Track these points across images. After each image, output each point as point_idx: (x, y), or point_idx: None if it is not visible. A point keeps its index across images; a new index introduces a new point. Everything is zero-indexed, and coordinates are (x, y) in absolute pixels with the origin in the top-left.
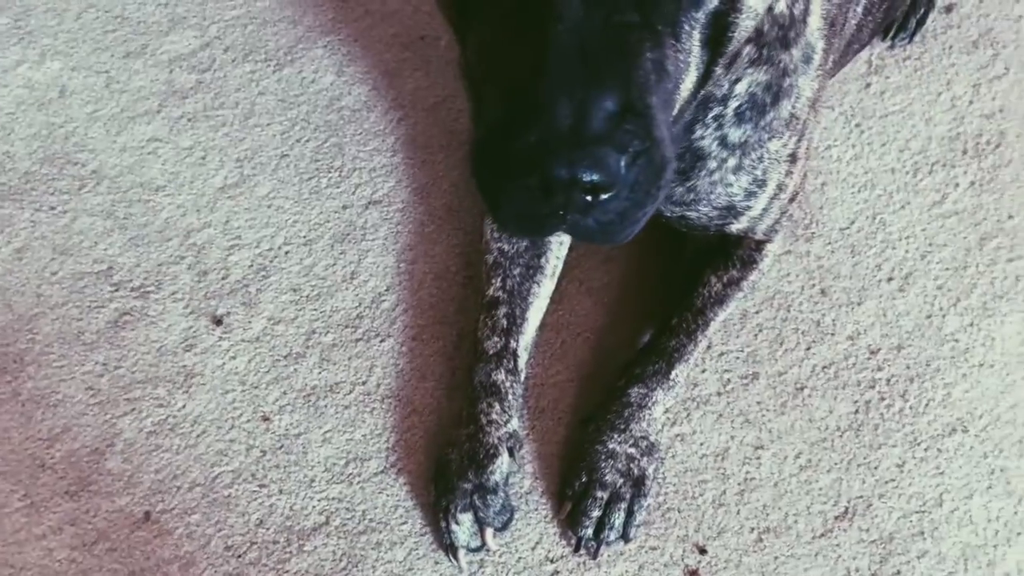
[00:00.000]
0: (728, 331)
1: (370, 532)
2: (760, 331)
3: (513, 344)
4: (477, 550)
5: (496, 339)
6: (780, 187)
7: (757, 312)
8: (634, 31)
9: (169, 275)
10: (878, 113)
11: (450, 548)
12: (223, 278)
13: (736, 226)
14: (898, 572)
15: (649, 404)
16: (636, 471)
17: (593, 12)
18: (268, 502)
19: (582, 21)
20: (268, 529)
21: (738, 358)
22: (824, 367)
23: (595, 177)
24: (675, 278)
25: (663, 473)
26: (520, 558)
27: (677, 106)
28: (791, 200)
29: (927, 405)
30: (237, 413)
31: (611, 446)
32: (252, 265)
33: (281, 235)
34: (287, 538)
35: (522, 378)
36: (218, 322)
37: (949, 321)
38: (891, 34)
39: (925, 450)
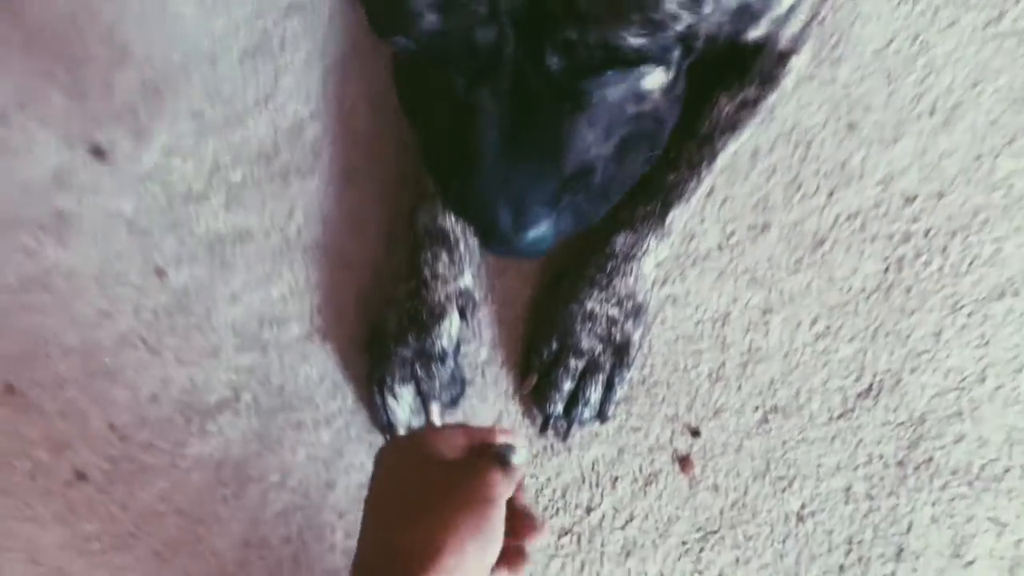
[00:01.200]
0: (734, 172)
1: (288, 410)
2: (773, 173)
3: None
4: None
5: None
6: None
7: (771, 150)
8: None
9: (37, 95)
10: None
11: (387, 428)
12: (105, 100)
13: (753, 33)
14: (930, 459)
15: (638, 255)
16: (618, 336)
17: (520, 106)
18: (162, 373)
19: (510, 120)
20: (162, 406)
21: (745, 205)
22: (849, 217)
23: (535, 236)
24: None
25: (650, 341)
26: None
27: None
28: (814, 6)
29: (971, 263)
30: (123, 266)
31: (589, 306)
32: (142, 85)
33: (178, 49)
34: (186, 417)
35: None
36: (99, 154)
37: (1002, 163)
38: None
39: (968, 316)
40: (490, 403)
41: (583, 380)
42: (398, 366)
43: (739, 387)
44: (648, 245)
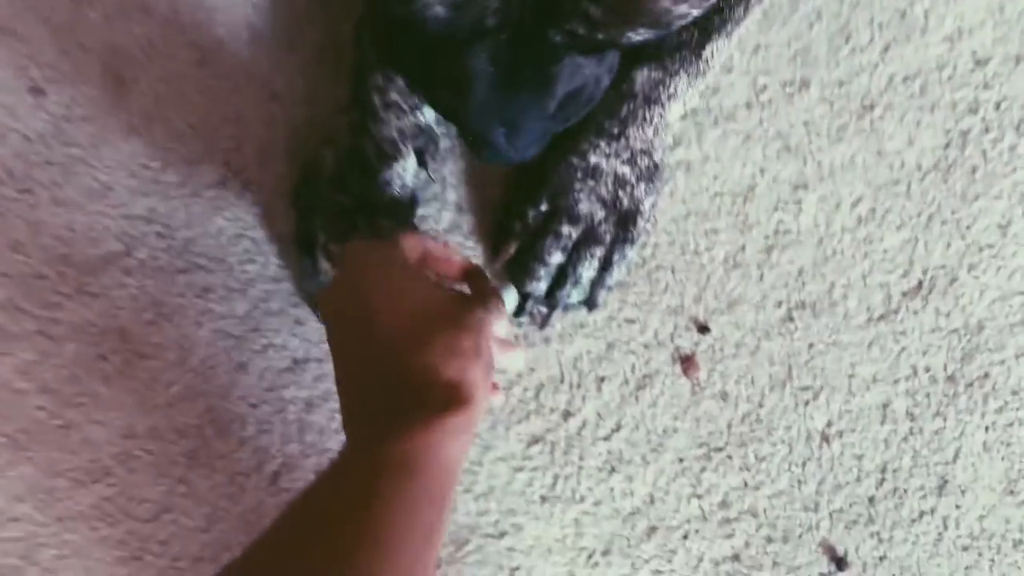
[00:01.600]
0: (771, 14)
1: (193, 271)
2: (818, 19)
3: None
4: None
5: None
6: None
7: None
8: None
9: None
10: None
11: (316, 298)
12: None
13: None
14: (986, 375)
15: (663, 98)
16: (626, 202)
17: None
18: (32, 216)
19: (504, 53)
20: (30, 257)
21: (782, 56)
22: (906, 78)
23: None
24: None
25: (658, 214)
26: None
27: None
28: None
29: None
30: None
31: (594, 159)
32: None
33: None
34: (60, 273)
35: None
36: None
37: None
38: None
39: None
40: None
41: (576, 253)
42: (334, 218)
43: (760, 277)
44: (678, 86)
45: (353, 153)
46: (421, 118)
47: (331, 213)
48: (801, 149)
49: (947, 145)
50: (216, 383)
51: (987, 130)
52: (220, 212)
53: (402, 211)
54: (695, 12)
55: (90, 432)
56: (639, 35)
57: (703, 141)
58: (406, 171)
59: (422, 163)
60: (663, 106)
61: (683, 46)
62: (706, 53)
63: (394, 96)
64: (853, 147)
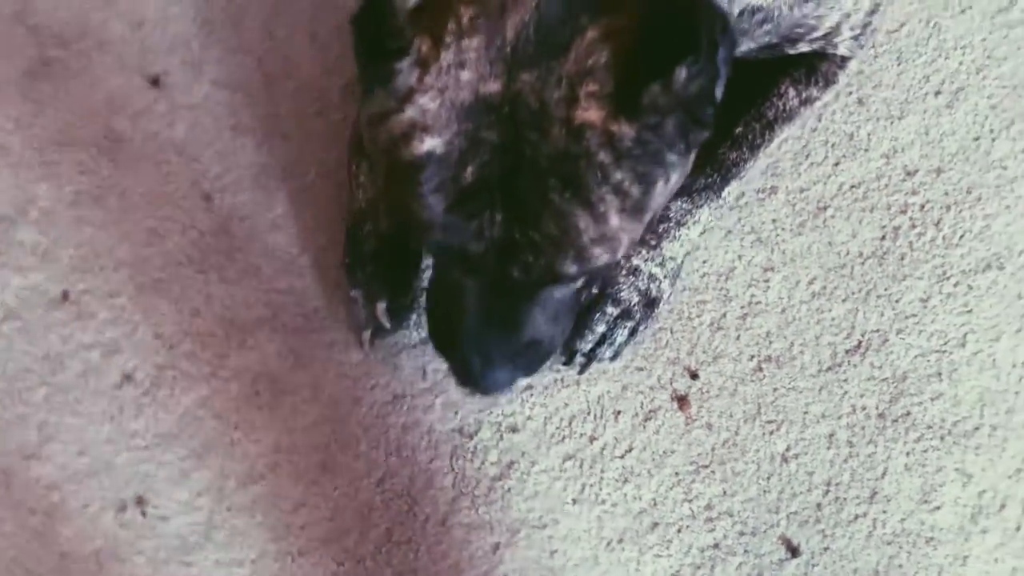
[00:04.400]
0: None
1: (322, 331)
2: (785, 140)
3: None
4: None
5: None
6: (846, 14)
7: None
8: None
9: (96, 21)
10: None
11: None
12: (162, 30)
13: (798, 49)
14: (908, 413)
15: (689, 223)
16: (654, 292)
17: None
18: (206, 290)
19: (487, 300)
20: (205, 320)
21: (756, 169)
22: (852, 186)
23: (495, 380)
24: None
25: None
26: None
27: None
28: (871, 13)
29: (962, 237)
30: (172, 188)
31: (636, 262)
32: (196, 18)
33: None
34: (226, 331)
35: None
36: (154, 82)
37: (999, 146)
38: None
39: (954, 285)
40: None
41: (613, 326)
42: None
43: (738, 337)
44: (701, 216)
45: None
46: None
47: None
48: (769, 240)
49: (883, 238)
50: (339, 412)
51: (913, 226)
52: (341, 286)
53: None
54: (605, 258)
55: (249, 447)
56: (569, 267)
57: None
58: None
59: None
60: (688, 228)
61: (708, 188)
62: (725, 193)
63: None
64: (810, 239)
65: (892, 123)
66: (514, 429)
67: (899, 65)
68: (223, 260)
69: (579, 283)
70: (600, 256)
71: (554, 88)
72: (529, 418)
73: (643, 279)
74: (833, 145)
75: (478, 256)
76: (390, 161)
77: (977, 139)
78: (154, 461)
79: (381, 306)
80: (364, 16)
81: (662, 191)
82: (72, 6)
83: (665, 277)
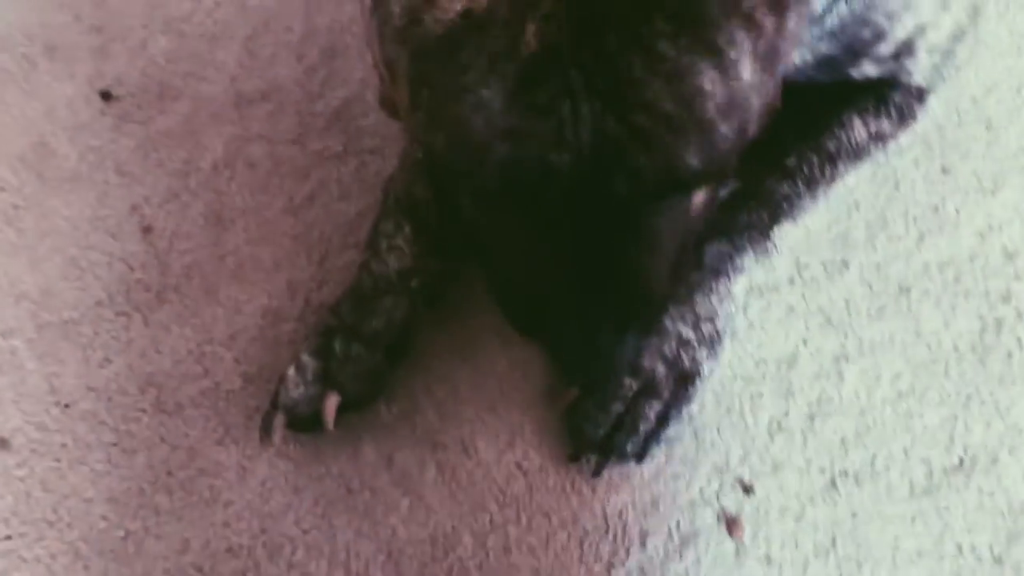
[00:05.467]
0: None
1: (262, 399)
2: (856, 208)
3: None
4: (303, 425)
5: None
6: (920, 27)
7: (855, 183)
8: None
9: (53, 24)
10: None
11: (271, 404)
12: (123, 41)
13: (863, 71)
14: None
15: (730, 271)
16: (687, 363)
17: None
18: (124, 336)
19: (576, 257)
20: (116, 373)
21: (823, 238)
22: (941, 266)
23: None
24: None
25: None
26: (479, 462)
27: None
28: (954, 38)
29: None
30: (106, 213)
31: (661, 320)
32: (167, 29)
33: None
34: (141, 389)
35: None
36: (105, 96)
37: None
38: None
39: None
40: (503, 418)
41: (635, 405)
42: (317, 334)
43: (804, 442)
44: (744, 262)
45: (353, 287)
46: (426, 264)
47: (316, 328)
48: (842, 324)
49: (983, 330)
50: (271, 505)
51: (1020, 318)
52: (294, 345)
53: (379, 344)
54: (731, 142)
55: (147, 544)
56: (693, 157)
57: (748, 309)
58: (396, 309)
59: (415, 306)
60: (729, 279)
61: (752, 226)
62: (774, 235)
63: (399, 242)
64: (892, 326)
65: (985, 197)
66: (507, 548)
67: (989, 133)
68: (152, 301)
69: (694, 201)
70: (727, 138)
71: None
72: (527, 533)
73: (671, 343)
74: (915, 218)
75: (563, 176)
76: (413, 53)
77: None
78: (14, 556)
79: (333, 400)
80: None
81: (795, 28)
82: (28, 5)
83: (701, 344)
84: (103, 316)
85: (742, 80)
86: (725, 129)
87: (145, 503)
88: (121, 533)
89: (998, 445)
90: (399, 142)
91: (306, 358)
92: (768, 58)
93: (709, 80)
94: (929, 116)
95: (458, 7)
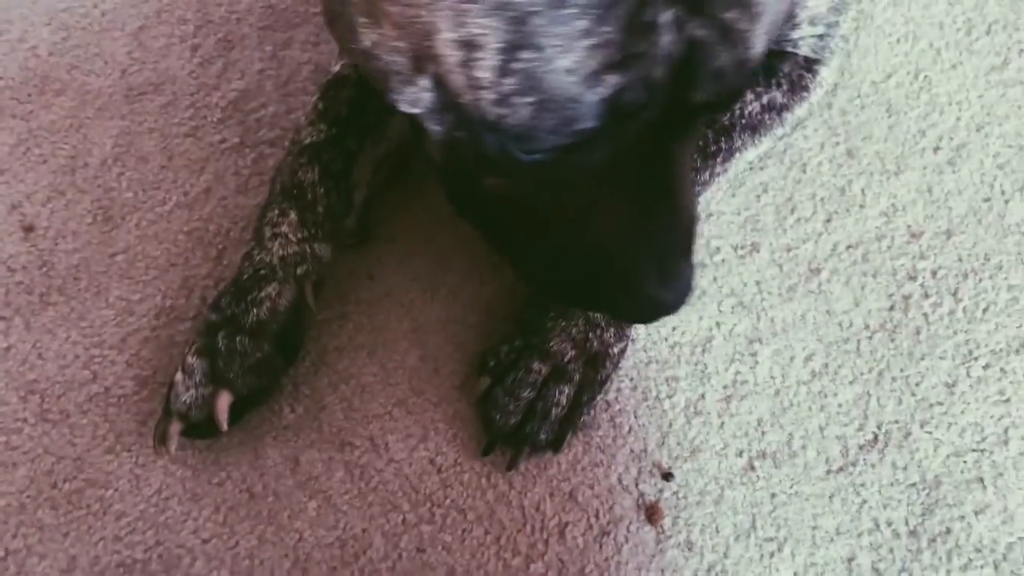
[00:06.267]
0: (719, 185)
1: (154, 403)
2: (765, 191)
3: (351, 143)
4: (199, 431)
5: (321, 127)
6: None
7: (762, 167)
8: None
9: None
10: None
11: (163, 412)
12: (4, 35)
13: (794, 33)
14: (948, 530)
15: None
16: (596, 345)
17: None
18: (4, 342)
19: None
20: None
21: (733, 222)
22: (849, 246)
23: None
24: None
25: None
26: (391, 460)
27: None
28: (835, 10)
29: (986, 310)
30: None
31: None
32: (50, 22)
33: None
34: (23, 398)
35: (358, 195)
36: None
37: (1013, 209)
38: None
39: (984, 368)
40: (417, 415)
41: (544, 390)
42: (199, 333)
43: (721, 425)
44: None
45: (235, 278)
46: (309, 249)
47: (197, 326)
48: (754, 306)
49: (891, 308)
50: (166, 515)
51: (927, 295)
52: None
53: (266, 335)
54: (781, 15)
55: (29, 564)
56: (764, 40)
57: None
58: (280, 297)
59: (301, 292)
60: None
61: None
62: None
63: (284, 228)
64: (803, 306)
65: (888, 178)
66: (420, 548)
67: (890, 117)
68: (35, 304)
69: None
70: (780, 16)
71: None
72: (440, 530)
73: (578, 325)
74: (823, 200)
75: (659, 94)
76: (509, 20)
77: (988, 200)
78: None
79: (225, 399)
80: None
81: None
82: None
83: (609, 325)
84: None
85: None
86: (779, 8)
87: (27, 520)
88: (0, 553)
89: (910, 420)
90: (296, 128)
91: (191, 359)
92: None
93: None
94: (833, 101)
95: None
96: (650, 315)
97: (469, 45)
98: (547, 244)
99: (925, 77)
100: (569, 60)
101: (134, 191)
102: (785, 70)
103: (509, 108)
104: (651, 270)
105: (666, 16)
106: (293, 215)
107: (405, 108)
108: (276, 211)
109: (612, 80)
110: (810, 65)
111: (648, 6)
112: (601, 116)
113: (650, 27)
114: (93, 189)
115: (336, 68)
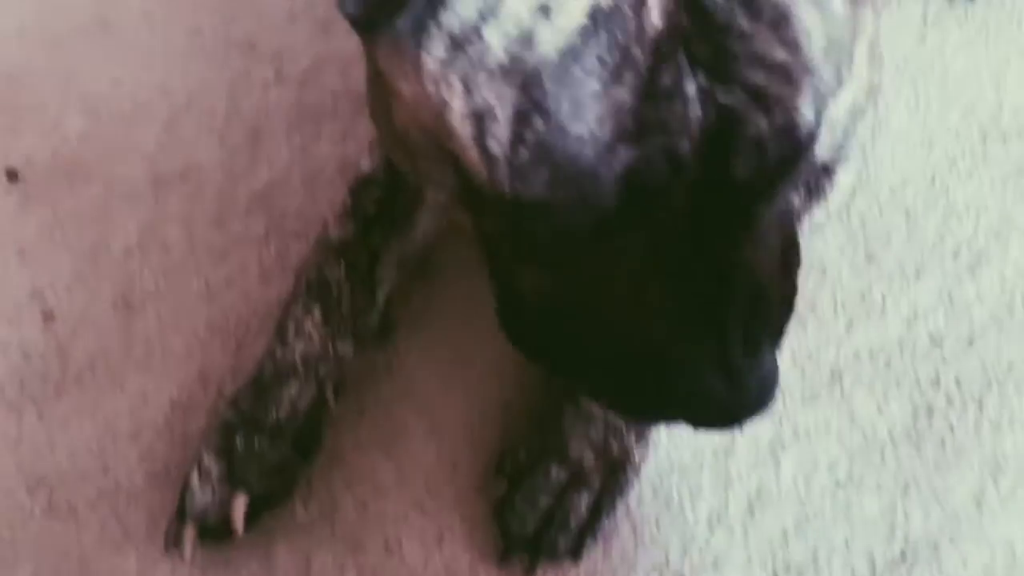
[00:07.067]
0: None
1: (165, 505)
2: None
3: (377, 241)
4: (213, 533)
5: (349, 225)
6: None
7: None
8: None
9: None
10: (936, 69)
11: (176, 515)
12: (39, 115)
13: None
14: None
15: None
16: (616, 450)
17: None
18: (14, 432)
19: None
20: (4, 474)
21: None
22: (872, 352)
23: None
24: None
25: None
26: (404, 564)
27: None
28: (852, 115)
29: (1011, 422)
30: (2, 297)
31: (587, 405)
32: (83, 108)
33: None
34: (30, 490)
35: (381, 293)
36: (11, 175)
37: None
38: None
39: (1013, 483)
40: (431, 515)
41: (563, 496)
42: (216, 433)
43: (744, 535)
44: None
45: (255, 376)
46: (332, 349)
47: (215, 425)
48: (776, 410)
49: (915, 416)
50: None
51: (951, 403)
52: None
53: (284, 435)
54: (835, 85)
55: None
56: (811, 111)
57: None
58: (301, 397)
59: (322, 393)
60: None
61: (799, 262)
62: None
63: (307, 326)
64: (826, 413)
65: (908, 283)
66: None
67: (908, 223)
68: (50, 395)
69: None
70: (830, 82)
71: None
72: None
73: (598, 429)
74: (843, 304)
75: (688, 169)
76: (519, 89)
77: (1010, 309)
78: None
79: (241, 502)
80: None
81: None
82: None
83: (629, 428)
84: None
85: (837, 15)
86: (828, 71)
87: None
88: None
89: (938, 534)
90: (324, 225)
91: (208, 459)
92: None
93: (810, 18)
94: (851, 205)
95: (584, 5)
96: (719, 420)
97: (480, 116)
98: (598, 349)
99: (942, 184)
100: (581, 127)
101: (156, 279)
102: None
103: (524, 182)
104: (709, 366)
105: (688, 82)
106: (317, 312)
107: (434, 192)
108: (300, 307)
109: (628, 152)
110: (826, 168)
111: (666, 72)
112: (620, 193)
113: (670, 94)
114: (115, 277)
115: (365, 166)
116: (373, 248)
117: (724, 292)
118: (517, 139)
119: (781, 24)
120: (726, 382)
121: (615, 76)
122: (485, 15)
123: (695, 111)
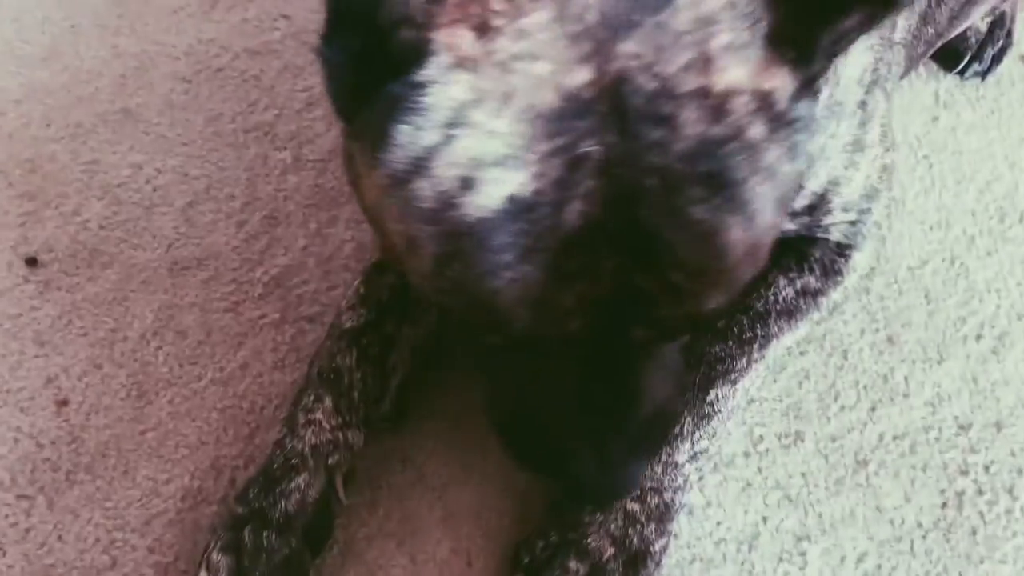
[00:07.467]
0: (761, 373)
1: None
2: (806, 377)
3: (390, 328)
4: None
5: (361, 311)
6: (834, 182)
7: (802, 353)
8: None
9: None
10: (950, 149)
11: None
12: (57, 206)
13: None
14: None
15: (670, 438)
16: (636, 542)
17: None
18: (24, 523)
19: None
20: (13, 568)
21: (776, 409)
22: (896, 437)
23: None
24: None
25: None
26: None
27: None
28: (867, 197)
29: None
30: (19, 385)
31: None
32: (103, 196)
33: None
34: None
35: (394, 380)
36: (31, 262)
37: None
38: (961, 66)
39: None
40: None
41: None
42: (223, 527)
43: None
44: (684, 426)
45: (264, 468)
46: (343, 438)
47: (223, 519)
48: (800, 500)
49: (943, 505)
50: None
51: (981, 492)
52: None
53: (293, 529)
54: (749, 274)
55: None
56: (719, 301)
57: (705, 486)
58: (311, 487)
59: (332, 483)
60: (672, 446)
61: (686, 389)
62: (710, 397)
63: (318, 415)
64: (851, 501)
65: (931, 366)
66: None
67: (928, 304)
68: (61, 482)
69: None
70: (746, 273)
71: (673, 52)
72: None
73: (616, 519)
74: (865, 387)
75: (579, 329)
76: (441, 235)
77: None
78: None
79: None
80: (345, 24)
81: (804, 167)
82: None
83: (649, 519)
84: (1, 500)
85: (763, 226)
86: (747, 270)
87: None
88: None
89: None
90: (337, 311)
91: (216, 556)
92: (783, 201)
93: (736, 232)
94: (870, 286)
95: (504, 192)
96: (584, 496)
97: (411, 242)
98: (504, 409)
99: (961, 264)
100: (496, 282)
101: (170, 366)
102: (817, 255)
103: (446, 300)
104: (590, 453)
105: (607, 261)
106: (328, 401)
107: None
108: (311, 396)
109: (525, 316)
110: (842, 250)
111: (577, 259)
112: (531, 328)
113: (581, 275)
114: (130, 363)
115: (378, 253)
116: (386, 335)
117: (626, 395)
118: (439, 270)
119: (708, 238)
120: (597, 468)
121: (525, 256)
122: (418, 167)
123: (606, 287)
